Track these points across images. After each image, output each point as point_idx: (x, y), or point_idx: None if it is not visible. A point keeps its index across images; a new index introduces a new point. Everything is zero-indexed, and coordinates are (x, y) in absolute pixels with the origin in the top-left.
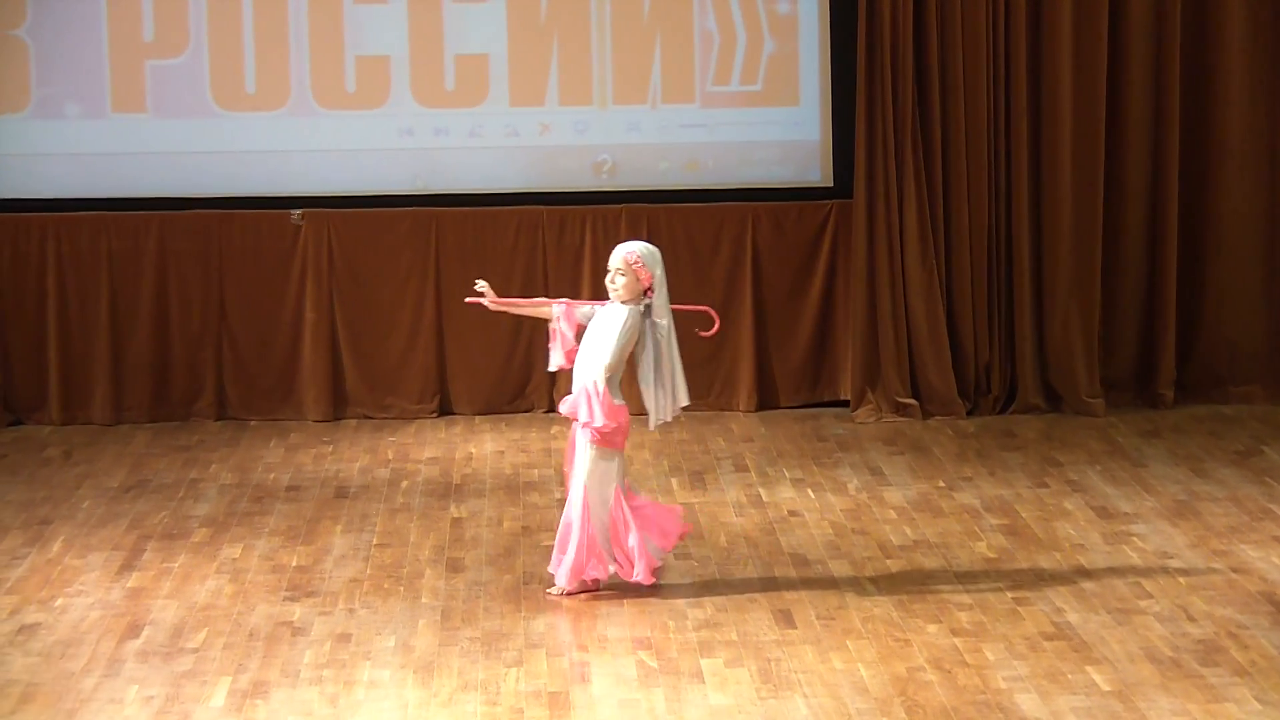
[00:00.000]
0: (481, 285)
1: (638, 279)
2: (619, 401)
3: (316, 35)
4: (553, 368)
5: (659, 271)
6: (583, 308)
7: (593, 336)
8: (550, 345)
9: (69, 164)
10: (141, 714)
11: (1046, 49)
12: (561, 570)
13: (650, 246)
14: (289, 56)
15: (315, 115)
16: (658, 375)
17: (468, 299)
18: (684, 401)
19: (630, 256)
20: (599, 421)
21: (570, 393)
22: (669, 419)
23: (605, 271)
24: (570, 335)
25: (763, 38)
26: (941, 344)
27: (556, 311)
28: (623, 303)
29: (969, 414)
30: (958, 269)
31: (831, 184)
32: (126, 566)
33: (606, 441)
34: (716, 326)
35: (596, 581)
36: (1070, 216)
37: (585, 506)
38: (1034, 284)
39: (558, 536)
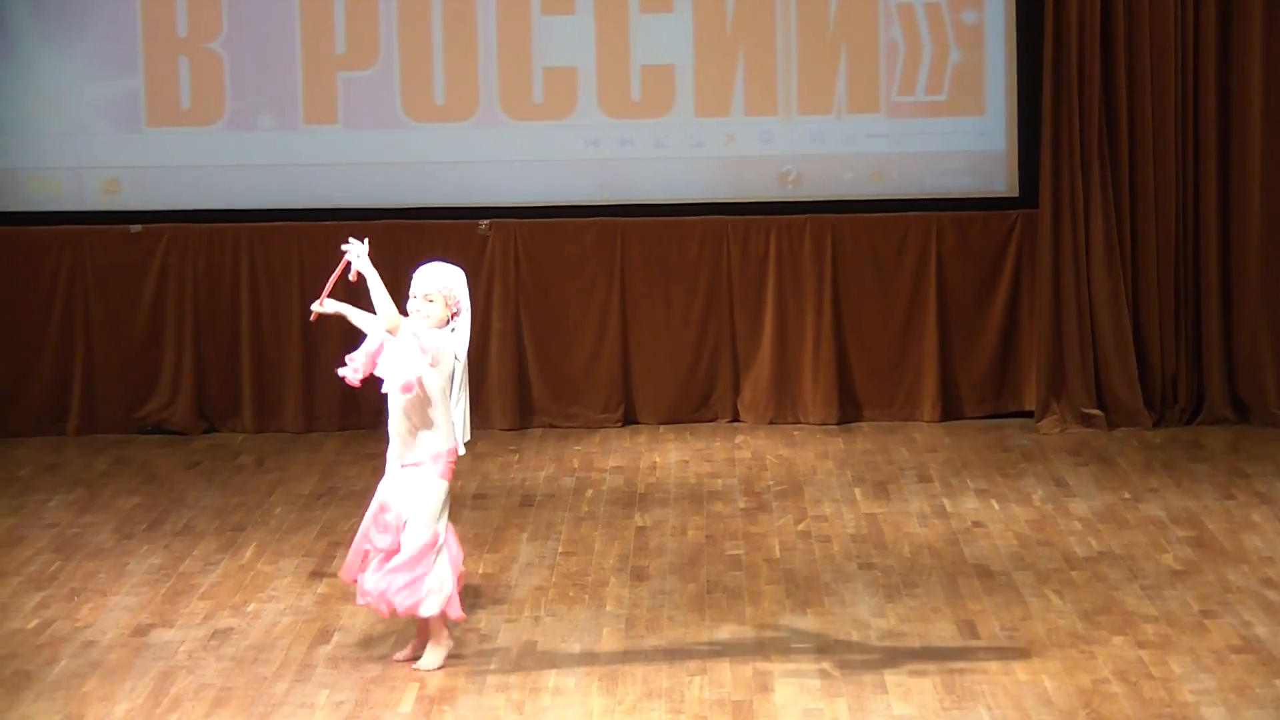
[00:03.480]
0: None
1: (446, 306)
2: None
3: (505, 47)
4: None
5: (465, 295)
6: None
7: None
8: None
9: (262, 175)
10: (332, 718)
11: (1236, 56)
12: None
13: (456, 269)
14: (477, 68)
15: (503, 126)
16: (448, 399)
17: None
18: (465, 437)
19: (443, 285)
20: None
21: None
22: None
23: (789, 282)
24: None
25: (948, 47)
26: (1127, 354)
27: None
28: (432, 328)
29: (1155, 425)
30: (1144, 279)
31: (1017, 194)
32: (317, 573)
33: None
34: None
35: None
36: (1260, 226)
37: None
38: (1222, 294)
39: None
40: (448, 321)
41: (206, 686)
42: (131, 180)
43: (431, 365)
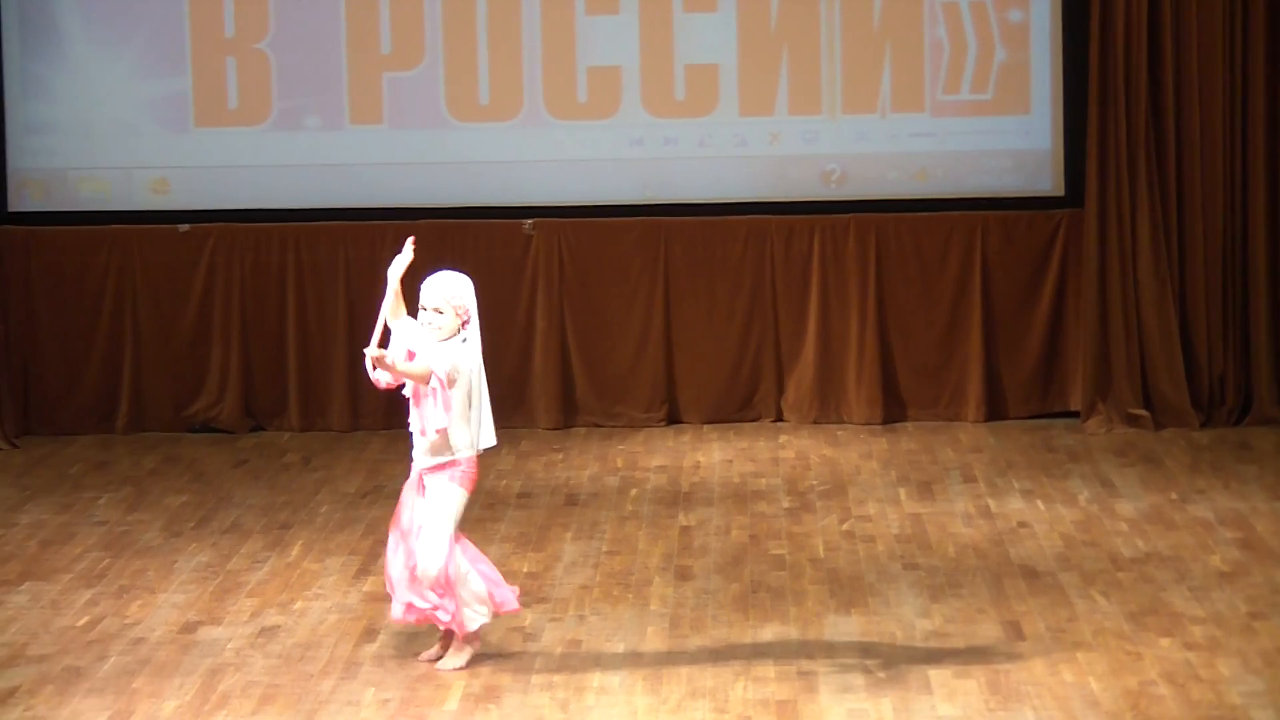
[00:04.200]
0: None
1: (456, 316)
2: None
3: (549, 46)
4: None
5: (474, 303)
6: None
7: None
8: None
9: (308, 175)
10: (377, 716)
11: None
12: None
13: (462, 277)
14: (522, 68)
15: (547, 126)
16: (467, 411)
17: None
18: (490, 442)
19: (451, 296)
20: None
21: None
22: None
23: (833, 281)
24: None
25: (994, 46)
26: (1174, 354)
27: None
28: (441, 341)
29: (1202, 426)
30: (1191, 278)
31: (1063, 193)
32: (363, 570)
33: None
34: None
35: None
36: None
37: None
38: (1270, 293)
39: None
40: (458, 331)
41: (254, 684)
42: (179, 180)
43: (450, 386)
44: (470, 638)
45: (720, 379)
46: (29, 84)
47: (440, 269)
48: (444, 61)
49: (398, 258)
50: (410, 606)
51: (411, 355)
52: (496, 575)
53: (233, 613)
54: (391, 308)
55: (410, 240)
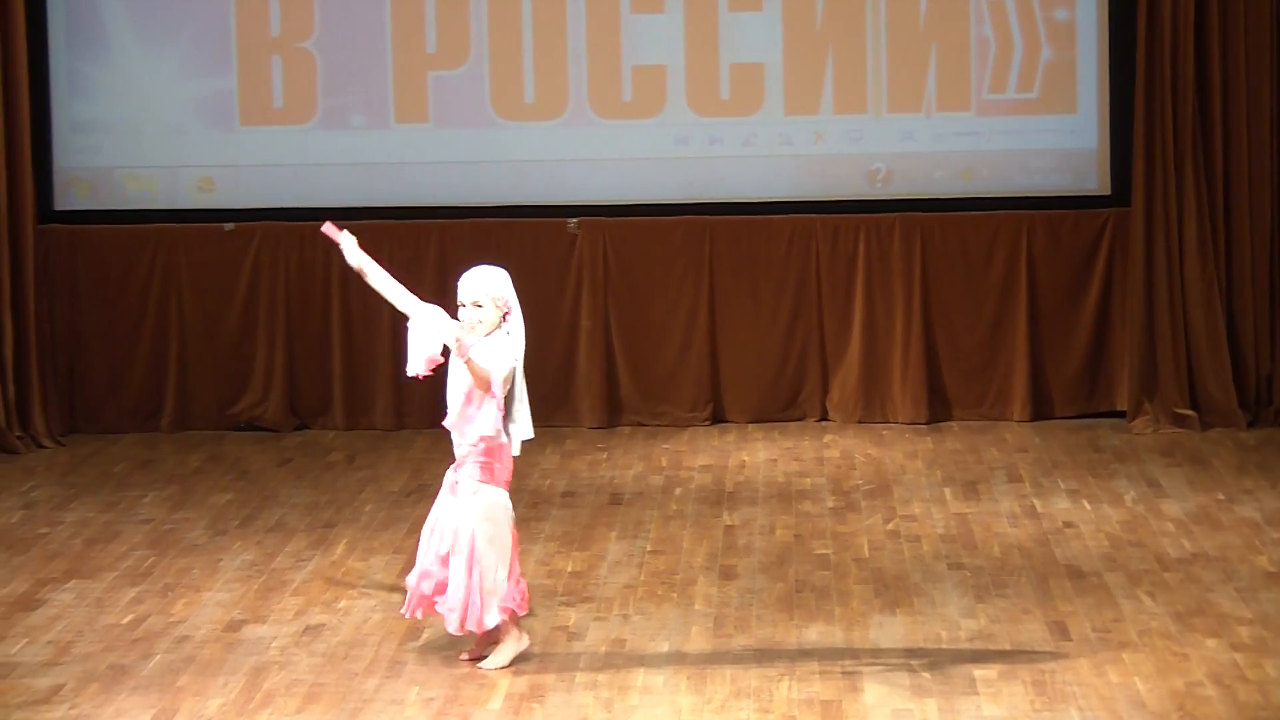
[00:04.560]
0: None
1: (496, 309)
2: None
3: (594, 45)
4: (412, 373)
5: (513, 295)
6: (445, 330)
7: (462, 374)
8: (410, 347)
9: (353, 174)
10: (421, 715)
11: None
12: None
13: (498, 269)
14: (567, 66)
15: (592, 124)
16: (509, 406)
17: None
18: (528, 434)
19: (490, 290)
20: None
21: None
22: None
23: (878, 281)
24: (432, 347)
25: (1040, 45)
26: (1221, 354)
27: (418, 316)
28: (486, 333)
29: (1250, 426)
30: (1238, 277)
31: (1109, 192)
32: (407, 569)
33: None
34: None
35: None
36: None
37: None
38: None
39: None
40: (499, 324)
41: (298, 682)
42: (225, 179)
43: (505, 383)
44: (509, 635)
45: (765, 378)
46: (75, 83)
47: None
48: (489, 60)
49: (345, 248)
50: (423, 598)
51: (446, 353)
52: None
53: (277, 611)
54: (397, 293)
55: (329, 226)
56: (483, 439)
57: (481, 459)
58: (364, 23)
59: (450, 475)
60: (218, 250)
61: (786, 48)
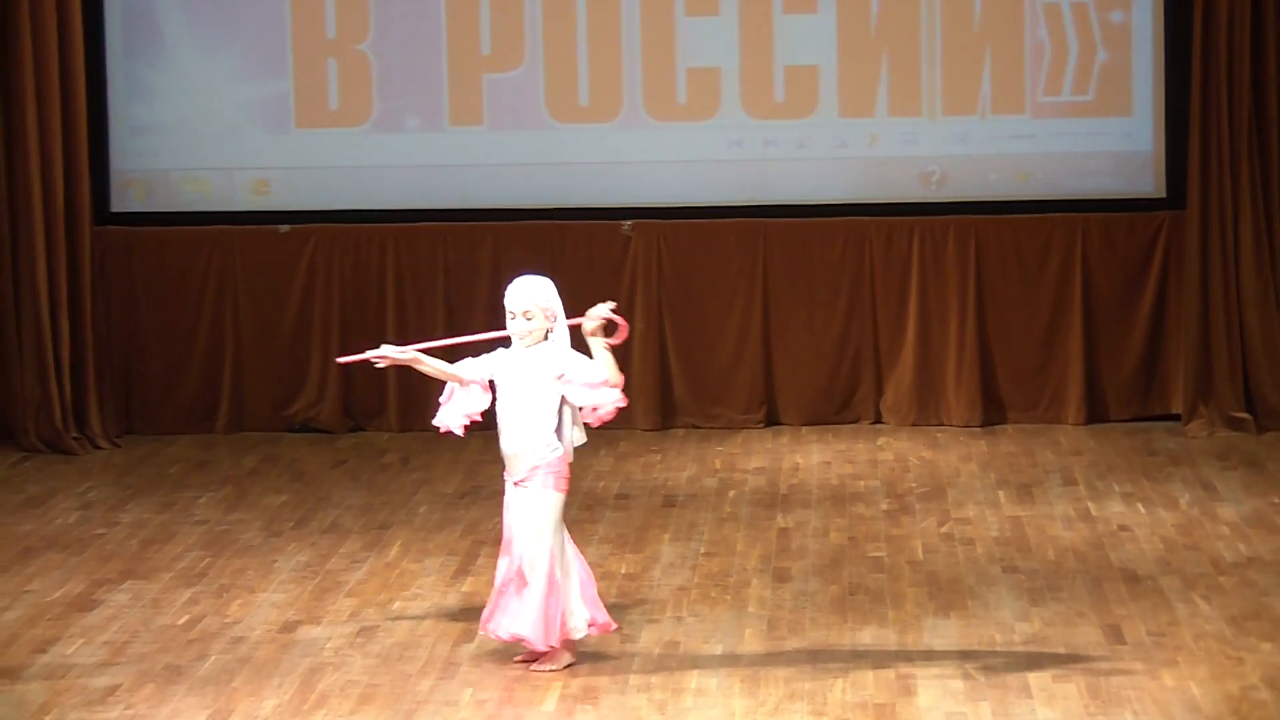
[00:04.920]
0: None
1: (545, 319)
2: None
3: (649, 48)
4: (444, 427)
5: (559, 303)
6: (477, 369)
7: (521, 388)
8: (444, 400)
9: (408, 176)
10: (475, 716)
11: None
12: (534, 628)
13: (544, 279)
14: (621, 69)
15: (647, 127)
16: (562, 415)
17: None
18: (582, 439)
19: (538, 299)
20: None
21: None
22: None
23: (932, 283)
24: (476, 405)
25: (1095, 47)
26: (1277, 357)
27: (466, 376)
28: (534, 344)
29: None
30: None
31: (1164, 195)
32: (461, 571)
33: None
34: (624, 331)
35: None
36: None
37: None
38: None
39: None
40: (546, 334)
41: (352, 683)
42: (280, 181)
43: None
44: (569, 645)
45: (819, 381)
46: (132, 85)
47: (523, 273)
48: (544, 63)
49: (380, 362)
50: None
51: (489, 385)
52: (592, 591)
53: (332, 612)
54: (444, 368)
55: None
56: (551, 451)
57: (555, 469)
58: (419, 25)
59: (516, 492)
60: (273, 252)
61: (841, 50)
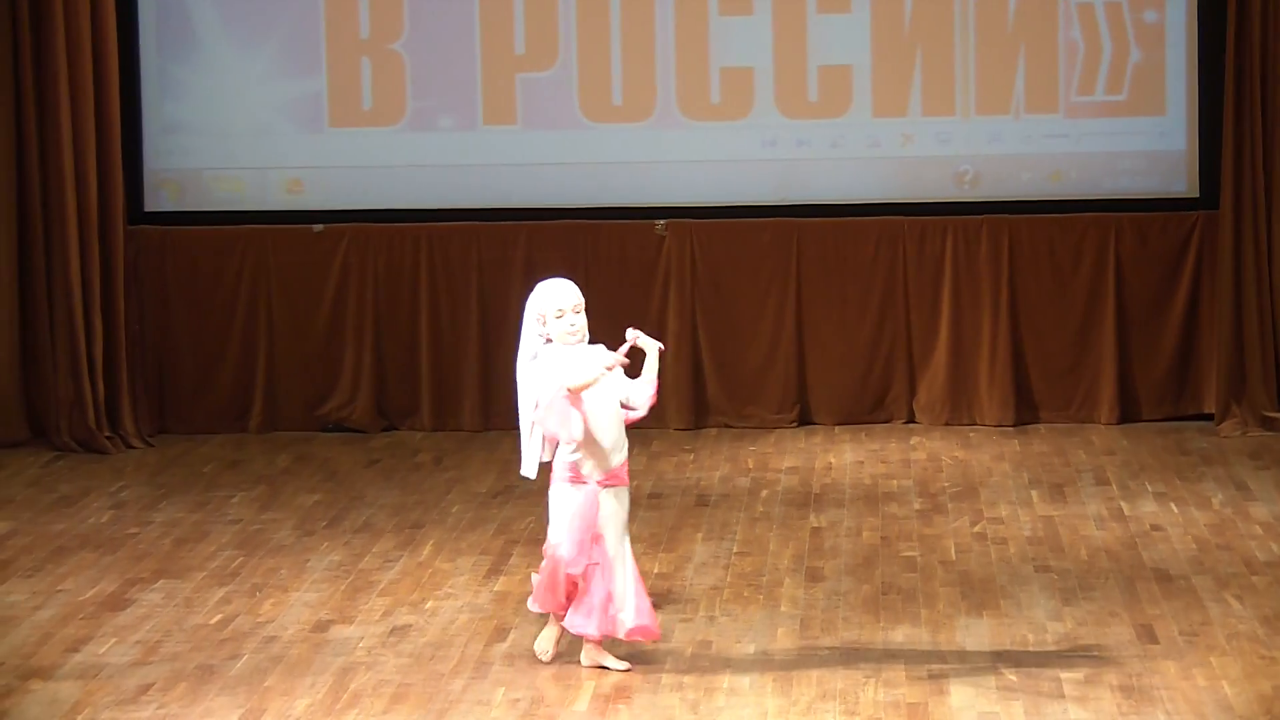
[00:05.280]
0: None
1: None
2: None
3: (682, 47)
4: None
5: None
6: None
7: (608, 385)
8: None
9: (441, 175)
10: (508, 716)
11: None
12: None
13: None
14: (655, 68)
15: (680, 126)
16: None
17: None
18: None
19: (582, 298)
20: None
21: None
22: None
23: (965, 283)
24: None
25: (1129, 47)
26: None
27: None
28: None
29: None
30: None
31: (1197, 194)
32: (494, 570)
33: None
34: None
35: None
36: None
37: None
38: None
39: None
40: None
41: (385, 683)
42: (314, 180)
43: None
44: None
45: (852, 380)
46: (165, 84)
47: (557, 274)
48: (577, 62)
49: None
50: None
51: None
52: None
53: (364, 612)
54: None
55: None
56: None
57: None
58: (453, 25)
59: (606, 494)
60: (306, 251)
61: (875, 50)
